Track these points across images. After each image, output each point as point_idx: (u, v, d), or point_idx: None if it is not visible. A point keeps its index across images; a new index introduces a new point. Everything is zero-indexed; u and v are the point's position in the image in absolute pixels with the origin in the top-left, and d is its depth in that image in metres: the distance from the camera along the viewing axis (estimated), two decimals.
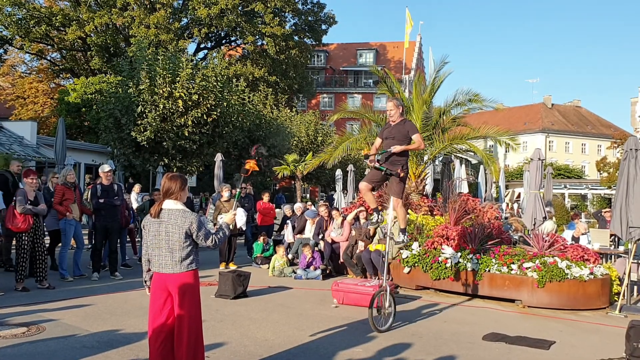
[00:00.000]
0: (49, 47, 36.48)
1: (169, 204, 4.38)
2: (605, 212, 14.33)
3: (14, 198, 8.48)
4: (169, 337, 4.37)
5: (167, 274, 4.32)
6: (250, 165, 5.32)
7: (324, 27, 40.85)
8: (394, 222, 10.07)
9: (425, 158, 13.60)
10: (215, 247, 4.53)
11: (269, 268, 10.97)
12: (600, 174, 45.37)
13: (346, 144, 14.10)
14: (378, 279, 9.43)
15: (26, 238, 8.29)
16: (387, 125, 7.18)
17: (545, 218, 10.68)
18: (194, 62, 22.37)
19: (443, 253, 9.12)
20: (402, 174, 6.84)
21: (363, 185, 7.04)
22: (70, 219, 9.45)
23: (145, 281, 4.55)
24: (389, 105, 7.10)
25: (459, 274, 8.97)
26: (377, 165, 6.81)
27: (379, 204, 7.78)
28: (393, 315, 6.89)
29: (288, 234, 12.75)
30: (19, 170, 10.52)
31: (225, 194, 11.35)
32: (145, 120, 18.63)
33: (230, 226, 4.76)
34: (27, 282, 8.37)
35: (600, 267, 8.74)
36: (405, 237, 7.42)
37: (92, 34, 32.07)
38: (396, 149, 6.74)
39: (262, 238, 12.26)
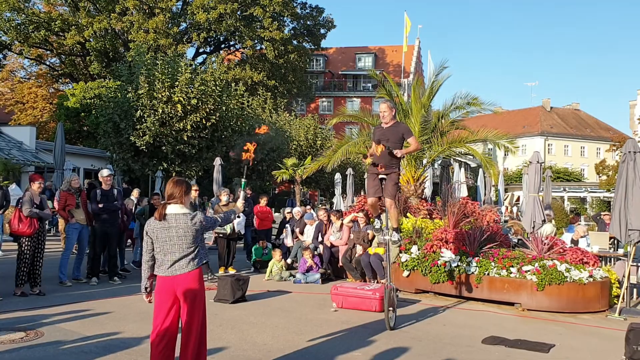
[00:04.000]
0: (48, 52, 36.55)
1: (174, 209, 4.39)
2: (604, 215, 14.32)
3: (20, 201, 8.45)
4: (171, 341, 4.39)
5: (178, 276, 4.32)
6: (248, 153, 5.43)
7: (322, 31, 40.91)
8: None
9: (424, 161, 13.60)
10: (221, 224, 4.90)
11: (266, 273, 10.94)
12: (600, 176, 45.37)
13: (345, 147, 14.09)
14: (377, 282, 9.44)
15: (29, 243, 8.25)
16: (379, 128, 7.26)
17: (544, 221, 10.67)
18: (193, 66, 22.42)
19: (442, 256, 9.10)
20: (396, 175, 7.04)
21: (372, 200, 7.23)
22: (73, 222, 9.45)
23: (146, 287, 4.51)
24: (382, 107, 7.19)
25: (458, 278, 8.95)
26: (378, 168, 6.99)
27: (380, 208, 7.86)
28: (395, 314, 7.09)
29: (287, 238, 12.74)
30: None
31: (224, 198, 11.32)
32: (144, 124, 18.64)
33: (228, 230, 4.85)
34: (24, 287, 8.34)
35: (599, 269, 8.73)
36: (399, 235, 7.54)
37: (91, 39, 32.11)
38: (398, 153, 6.85)
39: (261, 242, 12.25)
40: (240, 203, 5.09)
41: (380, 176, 7.02)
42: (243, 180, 5.54)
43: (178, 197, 4.41)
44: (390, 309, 6.98)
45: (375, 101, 48.37)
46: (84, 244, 9.82)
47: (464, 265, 8.93)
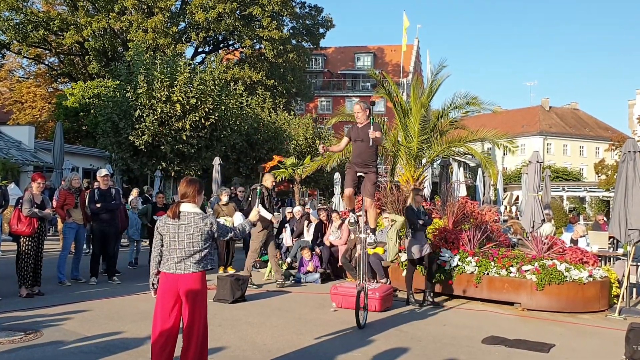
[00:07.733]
0: (47, 51, 36.48)
1: (187, 207, 4.49)
2: (599, 219, 14.36)
3: (20, 201, 8.41)
4: (172, 340, 4.41)
5: (183, 275, 4.36)
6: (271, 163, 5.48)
7: (321, 30, 40.92)
8: (391, 226, 10.10)
9: (424, 161, 13.59)
10: (236, 238, 4.86)
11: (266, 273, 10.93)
12: (599, 176, 45.39)
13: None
14: (377, 282, 9.44)
15: (29, 242, 8.20)
16: (355, 127, 7.41)
17: (543, 220, 10.67)
18: (192, 66, 22.36)
19: (442, 256, 9.10)
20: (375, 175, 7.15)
21: (348, 191, 7.27)
22: (70, 222, 9.43)
23: (153, 284, 4.56)
24: (356, 108, 7.38)
25: (457, 277, 8.95)
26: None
27: (357, 207, 7.99)
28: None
29: (287, 237, 12.73)
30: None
31: (224, 198, 11.32)
32: (143, 124, 18.60)
33: (246, 228, 4.83)
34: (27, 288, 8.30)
35: (599, 269, 8.73)
36: (375, 237, 7.62)
37: (89, 39, 32.05)
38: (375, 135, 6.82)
39: None
40: (254, 213, 4.96)
41: (358, 174, 7.13)
42: (258, 187, 5.51)
43: (191, 196, 4.52)
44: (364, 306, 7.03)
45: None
46: (82, 243, 9.81)
47: (464, 265, 8.92)
